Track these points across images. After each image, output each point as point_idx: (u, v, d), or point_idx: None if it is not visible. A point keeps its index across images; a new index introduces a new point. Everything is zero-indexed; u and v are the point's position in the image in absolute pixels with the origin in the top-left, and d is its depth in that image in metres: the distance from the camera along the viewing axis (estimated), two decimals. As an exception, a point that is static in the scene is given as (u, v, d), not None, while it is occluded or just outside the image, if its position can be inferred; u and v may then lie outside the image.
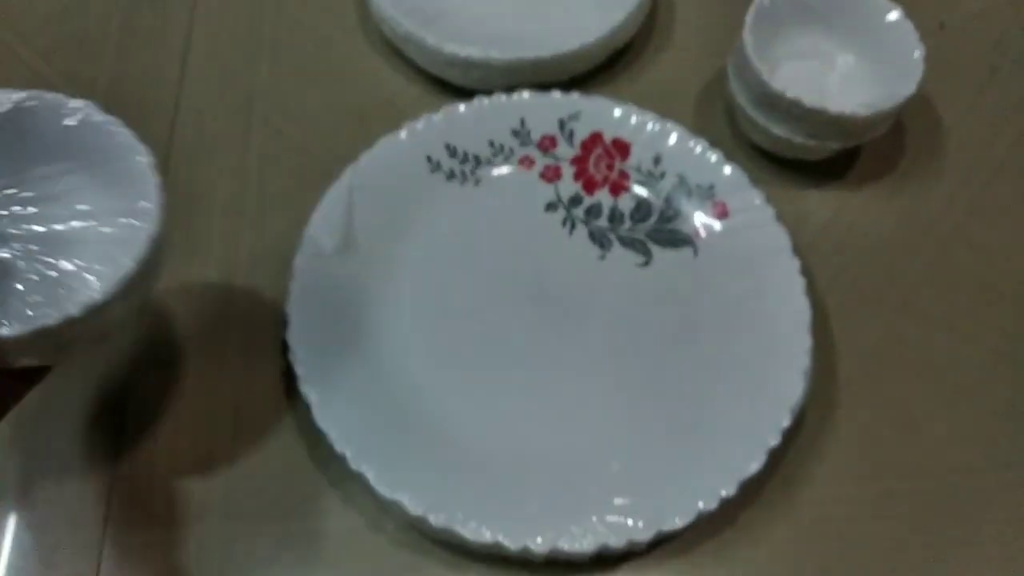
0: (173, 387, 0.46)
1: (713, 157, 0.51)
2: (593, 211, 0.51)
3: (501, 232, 0.51)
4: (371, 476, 0.41)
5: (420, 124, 0.51)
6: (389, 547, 0.43)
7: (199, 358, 0.48)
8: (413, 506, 0.40)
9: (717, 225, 0.50)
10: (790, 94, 0.49)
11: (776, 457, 0.43)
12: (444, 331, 0.47)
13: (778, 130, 0.51)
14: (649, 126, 0.52)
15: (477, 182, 0.52)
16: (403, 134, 0.51)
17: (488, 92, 0.53)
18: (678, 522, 0.40)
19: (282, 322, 0.45)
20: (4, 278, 0.37)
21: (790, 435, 0.43)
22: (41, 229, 0.38)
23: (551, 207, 0.51)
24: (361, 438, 0.42)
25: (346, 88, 0.58)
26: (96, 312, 0.33)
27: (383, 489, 0.40)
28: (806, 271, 0.48)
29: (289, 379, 0.45)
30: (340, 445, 0.41)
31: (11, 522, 0.43)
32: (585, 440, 0.44)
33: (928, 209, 0.53)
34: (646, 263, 0.50)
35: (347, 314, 0.46)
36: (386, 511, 0.42)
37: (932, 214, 0.53)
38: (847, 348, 0.49)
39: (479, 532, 0.39)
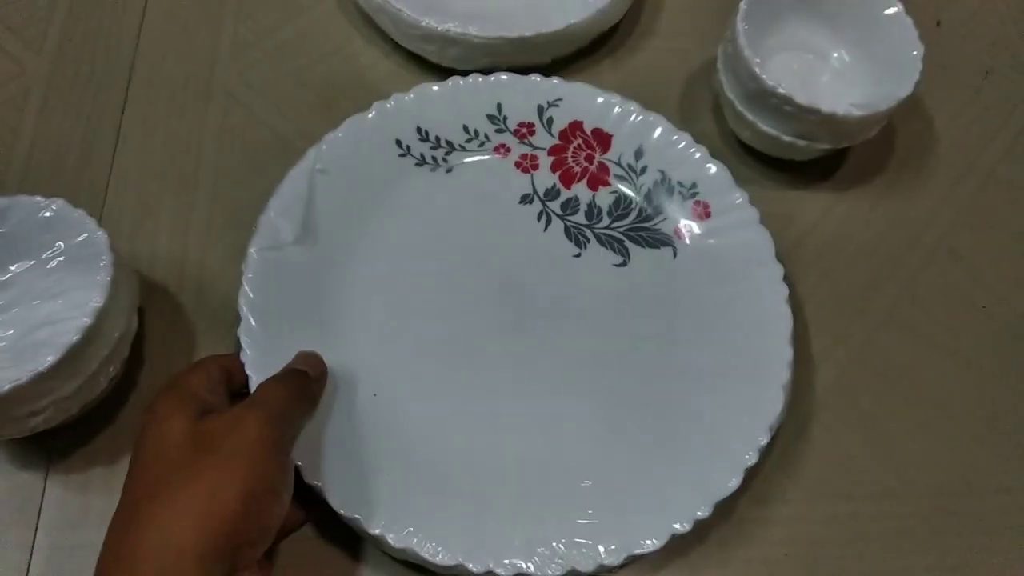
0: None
1: (697, 153, 0.48)
2: (570, 206, 0.49)
3: (472, 224, 0.48)
4: (325, 491, 0.38)
5: (390, 104, 0.48)
6: (345, 562, 0.41)
7: (145, 346, 0.45)
8: (370, 524, 0.38)
9: (698, 226, 0.47)
10: (782, 90, 0.46)
11: (750, 474, 0.41)
12: (407, 332, 0.45)
13: (767, 127, 0.49)
14: (632, 117, 0.49)
15: (449, 169, 0.49)
16: (371, 114, 0.48)
17: (465, 73, 0.50)
18: (650, 544, 0.38)
19: (235, 316, 0.42)
20: None
21: (765, 451, 0.42)
22: (23, 311, 0.43)
23: (526, 199, 0.49)
24: (316, 449, 0.39)
25: (315, 60, 0.54)
26: (42, 380, 0.36)
27: (337, 505, 0.38)
28: (787, 277, 0.46)
29: (244, 375, 0.42)
30: (293, 457, 0.39)
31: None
32: (554, 454, 0.42)
33: (914, 217, 0.52)
34: (623, 263, 0.47)
35: (304, 310, 0.43)
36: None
37: (919, 223, 0.51)
38: (825, 360, 0.47)
39: (440, 554, 0.37)
